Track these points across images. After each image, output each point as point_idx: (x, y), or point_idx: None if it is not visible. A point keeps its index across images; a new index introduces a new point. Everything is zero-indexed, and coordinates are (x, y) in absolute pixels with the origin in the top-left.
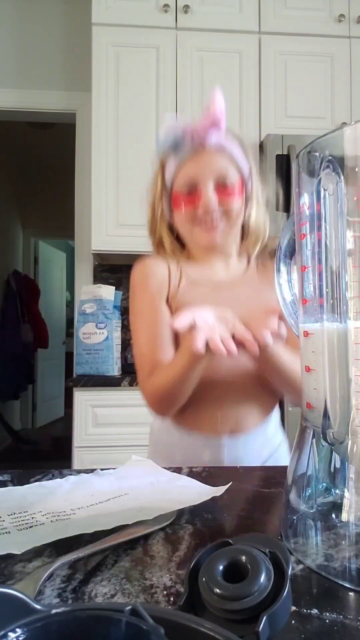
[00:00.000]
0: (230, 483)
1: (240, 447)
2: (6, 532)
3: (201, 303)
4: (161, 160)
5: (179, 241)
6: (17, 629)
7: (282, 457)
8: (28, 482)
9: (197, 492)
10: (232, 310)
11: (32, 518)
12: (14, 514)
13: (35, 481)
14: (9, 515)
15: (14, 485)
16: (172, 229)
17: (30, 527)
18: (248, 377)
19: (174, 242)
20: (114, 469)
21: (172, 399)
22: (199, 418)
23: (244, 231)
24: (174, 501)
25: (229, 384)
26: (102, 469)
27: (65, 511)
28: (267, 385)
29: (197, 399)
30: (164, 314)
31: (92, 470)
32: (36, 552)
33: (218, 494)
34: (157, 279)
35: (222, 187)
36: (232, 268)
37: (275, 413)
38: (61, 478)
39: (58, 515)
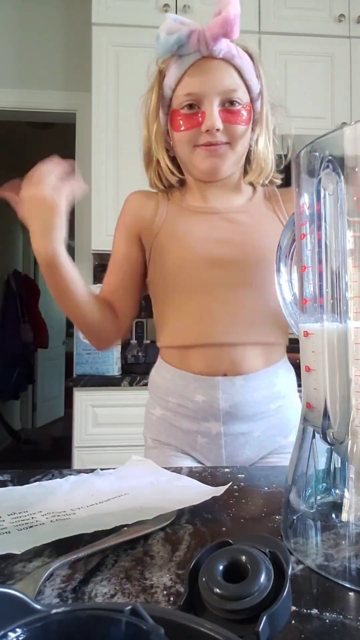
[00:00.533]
0: (230, 483)
1: (237, 391)
2: (6, 532)
3: (184, 230)
4: (159, 68)
5: (177, 169)
6: (17, 629)
7: (291, 410)
8: (28, 482)
9: (197, 492)
10: (227, 239)
11: (32, 518)
12: (14, 513)
13: (35, 481)
14: (9, 515)
15: (14, 485)
16: (168, 152)
17: (30, 527)
18: (247, 313)
19: (171, 170)
20: (114, 469)
21: (75, 321)
22: (189, 355)
23: (249, 160)
24: (174, 501)
25: (223, 318)
26: (102, 469)
27: (65, 511)
28: (271, 326)
29: (186, 333)
30: (133, 250)
31: (92, 470)
32: (36, 552)
33: (218, 494)
34: (139, 214)
35: (229, 107)
36: (233, 199)
37: (284, 362)
38: (61, 478)
39: (58, 515)
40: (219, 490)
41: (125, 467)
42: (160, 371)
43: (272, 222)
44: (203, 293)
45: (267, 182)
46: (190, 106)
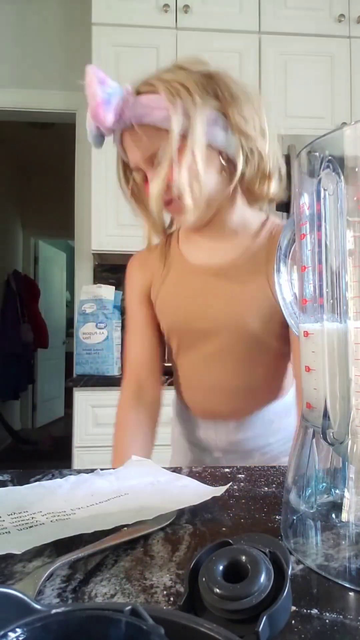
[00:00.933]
0: (230, 483)
1: (231, 432)
2: (6, 532)
3: (173, 294)
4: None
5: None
6: (17, 629)
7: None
8: (28, 482)
9: (197, 492)
10: (209, 310)
11: (32, 518)
12: (14, 513)
13: (35, 481)
14: (8, 515)
15: (14, 485)
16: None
17: (30, 527)
18: (237, 382)
19: (161, 222)
20: (114, 469)
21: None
22: (189, 400)
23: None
24: (174, 501)
25: (212, 387)
26: (102, 469)
27: (65, 511)
28: (263, 386)
29: (184, 389)
30: (146, 318)
31: (92, 470)
32: (36, 552)
33: (218, 494)
34: (141, 280)
35: (160, 160)
36: (225, 247)
37: (282, 399)
38: (61, 478)
39: (58, 515)
40: (219, 491)
41: (125, 467)
42: (176, 401)
43: (256, 282)
44: (190, 358)
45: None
46: (139, 173)
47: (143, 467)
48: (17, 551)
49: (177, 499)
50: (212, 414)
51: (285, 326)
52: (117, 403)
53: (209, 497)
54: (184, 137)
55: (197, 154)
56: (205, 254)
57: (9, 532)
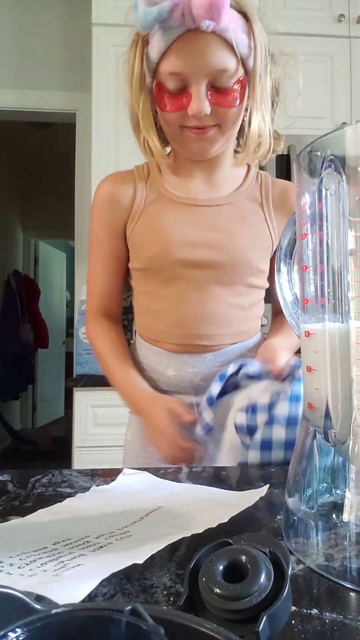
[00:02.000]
0: (268, 485)
1: (207, 365)
2: (82, 555)
3: (166, 223)
4: (142, 38)
5: (166, 142)
6: (17, 629)
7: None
8: (28, 482)
9: (237, 496)
10: (205, 241)
11: (86, 542)
12: (57, 542)
13: (36, 481)
14: (54, 544)
15: (14, 485)
16: (157, 124)
17: (101, 547)
18: (219, 309)
19: (157, 142)
20: (106, 481)
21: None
22: (161, 336)
23: (243, 137)
24: (228, 506)
25: (195, 312)
26: (97, 485)
27: (113, 532)
28: (242, 319)
29: (159, 320)
30: (118, 247)
31: (109, 472)
32: None
33: (263, 494)
34: (118, 206)
35: (218, 88)
36: (220, 182)
37: (256, 338)
38: (60, 478)
39: (113, 534)
40: (263, 491)
41: (122, 480)
42: (137, 346)
43: (256, 220)
44: (176, 288)
45: (267, 156)
46: (176, 85)
47: (142, 480)
48: (139, 560)
49: (229, 504)
50: (191, 346)
51: (268, 265)
52: (118, 402)
53: (256, 499)
54: (251, 75)
55: (259, 89)
56: (199, 187)
57: (85, 554)
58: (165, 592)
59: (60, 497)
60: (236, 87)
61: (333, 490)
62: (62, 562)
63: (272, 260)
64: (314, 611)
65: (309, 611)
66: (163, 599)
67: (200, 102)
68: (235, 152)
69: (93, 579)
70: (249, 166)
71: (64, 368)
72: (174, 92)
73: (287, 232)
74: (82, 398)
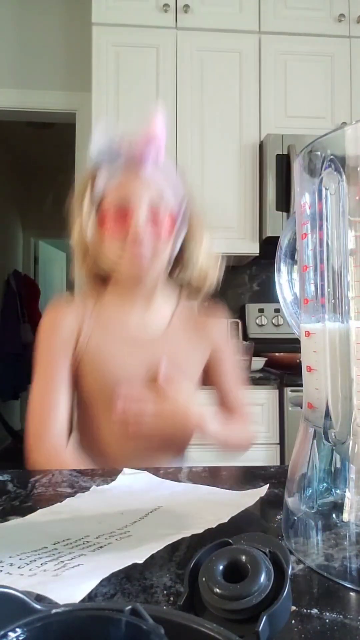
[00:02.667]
0: (268, 485)
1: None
2: (81, 555)
3: (111, 359)
4: (92, 171)
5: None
6: (17, 629)
7: None
8: (28, 482)
9: (238, 495)
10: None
11: (86, 542)
12: (57, 542)
13: (35, 481)
14: (54, 544)
15: (14, 485)
16: (97, 252)
17: (101, 547)
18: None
19: (98, 269)
20: (106, 481)
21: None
22: (114, 453)
23: (186, 264)
24: (227, 505)
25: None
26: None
27: (113, 532)
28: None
29: (113, 439)
30: (62, 375)
31: (109, 472)
32: None
33: (263, 494)
34: (64, 334)
35: (156, 212)
36: (156, 309)
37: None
38: (61, 479)
39: (112, 535)
40: (263, 491)
41: (122, 480)
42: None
43: (189, 345)
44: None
45: (205, 287)
46: (119, 210)
47: (143, 479)
48: (139, 560)
49: (229, 504)
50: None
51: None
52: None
53: (256, 499)
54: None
55: (195, 220)
56: (136, 311)
57: (85, 554)
58: (165, 592)
59: (60, 497)
60: (170, 219)
61: (333, 490)
62: (62, 562)
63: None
64: (314, 611)
65: (309, 611)
66: (163, 599)
67: (141, 226)
68: (170, 282)
69: (93, 579)
70: (179, 297)
71: None
72: (117, 218)
73: (287, 231)
74: None
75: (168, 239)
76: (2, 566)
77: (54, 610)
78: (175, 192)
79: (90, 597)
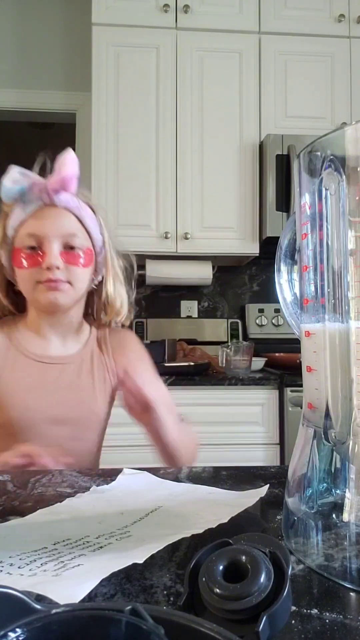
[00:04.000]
0: (268, 485)
1: None
2: (82, 555)
3: (25, 386)
4: (4, 210)
5: (19, 300)
6: (17, 629)
7: None
8: (28, 482)
9: (237, 496)
10: (61, 399)
11: (86, 542)
12: (57, 542)
13: (35, 481)
14: (54, 544)
15: (14, 485)
16: (10, 286)
17: (101, 547)
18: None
19: (11, 302)
20: (106, 482)
21: None
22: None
23: (102, 302)
24: (228, 506)
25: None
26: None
27: (113, 532)
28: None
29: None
30: None
31: (109, 472)
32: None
33: (263, 494)
34: None
35: (68, 249)
36: (69, 338)
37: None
38: (60, 479)
39: (113, 535)
40: (263, 491)
41: (122, 480)
42: None
43: (99, 376)
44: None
45: (121, 321)
46: (32, 247)
47: (142, 479)
48: (139, 560)
49: (230, 504)
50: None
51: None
52: (118, 402)
53: (256, 499)
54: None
55: (110, 260)
56: (52, 344)
57: (85, 554)
58: (165, 592)
59: (60, 497)
60: (83, 253)
61: (333, 490)
62: (62, 562)
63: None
64: (314, 611)
65: (309, 611)
66: (163, 599)
67: (53, 257)
68: (87, 315)
69: (93, 579)
70: (90, 327)
71: None
72: (30, 252)
73: (287, 232)
74: None
75: (85, 268)
76: (2, 566)
77: (53, 610)
78: (91, 232)
79: (90, 597)
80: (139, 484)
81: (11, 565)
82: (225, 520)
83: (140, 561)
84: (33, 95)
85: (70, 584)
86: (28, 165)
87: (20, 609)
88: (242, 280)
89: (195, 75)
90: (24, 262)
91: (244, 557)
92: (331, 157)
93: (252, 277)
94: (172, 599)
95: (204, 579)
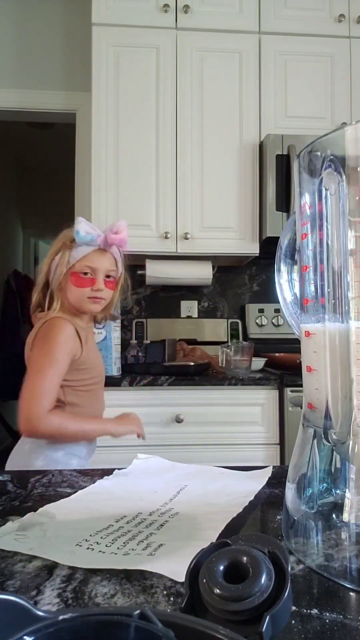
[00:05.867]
0: (271, 466)
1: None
2: (152, 534)
3: (96, 352)
4: (70, 245)
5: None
6: (25, 637)
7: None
8: (28, 482)
9: (250, 477)
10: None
11: (143, 519)
12: (118, 520)
13: (36, 481)
14: (118, 521)
15: (14, 485)
16: (45, 288)
17: (162, 525)
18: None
19: (43, 298)
20: (119, 469)
21: (64, 439)
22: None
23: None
24: (242, 491)
25: (100, 396)
26: (119, 469)
27: (159, 508)
28: None
29: (85, 411)
30: (66, 368)
31: (110, 471)
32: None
33: (269, 474)
34: (73, 344)
35: (107, 278)
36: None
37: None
38: (61, 479)
39: (159, 510)
40: (268, 471)
41: (137, 464)
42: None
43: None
44: (95, 390)
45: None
46: (85, 273)
47: (156, 463)
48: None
49: (241, 489)
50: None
51: None
52: (118, 402)
53: (265, 479)
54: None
55: (121, 281)
56: (90, 329)
57: (154, 533)
58: (165, 592)
59: (60, 497)
60: (115, 282)
61: (333, 490)
62: (142, 541)
63: None
64: (314, 611)
65: (309, 611)
66: (163, 599)
67: (101, 283)
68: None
69: (184, 557)
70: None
71: None
72: (85, 277)
73: (287, 232)
74: None
75: (114, 290)
76: (91, 545)
77: (61, 617)
78: (120, 264)
79: (90, 597)
80: (154, 467)
81: (97, 543)
82: (240, 510)
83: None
84: (33, 95)
85: (171, 562)
86: (28, 166)
87: (23, 616)
88: (242, 280)
89: (195, 75)
90: (82, 283)
91: (244, 558)
92: (331, 157)
93: (252, 277)
94: (172, 599)
95: (204, 580)
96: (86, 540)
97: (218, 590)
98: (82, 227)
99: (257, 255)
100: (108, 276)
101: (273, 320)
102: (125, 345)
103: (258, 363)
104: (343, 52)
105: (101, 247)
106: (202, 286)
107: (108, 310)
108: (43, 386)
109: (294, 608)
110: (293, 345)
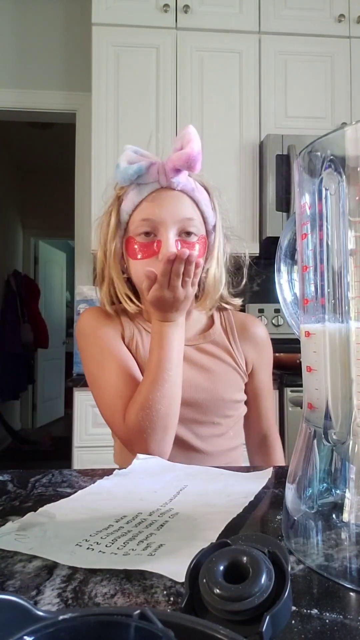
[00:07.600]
0: (272, 467)
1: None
2: (152, 534)
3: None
4: (117, 194)
5: (131, 291)
6: (26, 637)
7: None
8: (28, 482)
9: (250, 477)
10: (195, 384)
11: (143, 519)
12: (118, 520)
13: (36, 481)
14: (118, 521)
15: (14, 485)
16: (123, 274)
17: (162, 525)
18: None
19: (127, 291)
20: (119, 469)
21: (154, 411)
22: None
23: (199, 288)
24: (242, 492)
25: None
26: (119, 469)
27: (158, 508)
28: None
29: None
30: (129, 354)
31: (109, 472)
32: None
33: (270, 475)
34: (111, 327)
35: (185, 237)
36: (188, 325)
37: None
38: (60, 478)
39: (159, 510)
40: (269, 472)
41: (137, 464)
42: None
43: (221, 363)
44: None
45: (216, 307)
46: (147, 234)
47: (155, 464)
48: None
49: (246, 487)
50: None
51: (241, 390)
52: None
53: (266, 480)
54: (211, 236)
55: (217, 247)
56: None
57: (154, 534)
58: (165, 592)
59: (60, 497)
60: (198, 243)
61: (333, 490)
62: (142, 541)
63: (246, 385)
64: (314, 611)
65: (309, 611)
66: (163, 599)
67: (170, 247)
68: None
69: (184, 557)
70: (213, 314)
71: (64, 368)
72: (144, 242)
73: (287, 232)
74: (82, 398)
75: (199, 259)
76: (91, 545)
77: (61, 617)
78: (206, 216)
79: (90, 597)
80: (154, 467)
81: (98, 543)
82: (251, 499)
83: (214, 539)
84: (33, 95)
85: (171, 562)
86: (28, 165)
87: (23, 616)
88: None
89: (195, 75)
90: (138, 252)
91: (244, 558)
92: (331, 157)
93: (252, 277)
94: (172, 599)
95: (204, 580)
96: (86, 540)
97: (218, 590)
98: (124, 156)
99: (257, 255)
100: (187, 232)
101: (273, 320)
102: None
103: None
104: (343, 52)
105: (163, 185)
106: None
107: (207, 296)
108: (101, 398)
109: (294, 608)
110: (293, 345)
